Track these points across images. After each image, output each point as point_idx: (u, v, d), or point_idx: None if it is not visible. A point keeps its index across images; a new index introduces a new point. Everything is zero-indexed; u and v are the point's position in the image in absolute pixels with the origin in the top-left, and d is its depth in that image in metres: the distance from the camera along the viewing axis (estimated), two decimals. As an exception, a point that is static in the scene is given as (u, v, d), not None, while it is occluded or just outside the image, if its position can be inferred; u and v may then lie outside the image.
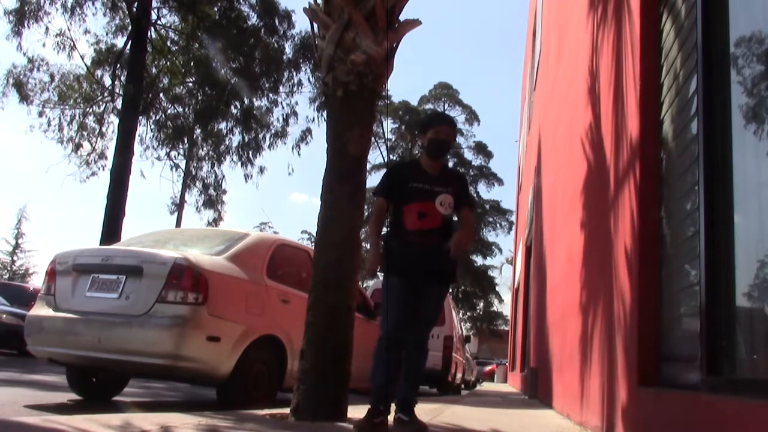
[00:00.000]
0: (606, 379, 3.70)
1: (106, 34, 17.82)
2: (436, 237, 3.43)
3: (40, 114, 17.87)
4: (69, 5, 16.58)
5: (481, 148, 45.33)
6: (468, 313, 43.85)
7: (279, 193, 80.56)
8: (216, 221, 20.76)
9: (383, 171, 3.87)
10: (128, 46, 16.44)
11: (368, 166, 4.75)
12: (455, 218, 3.66)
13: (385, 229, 3.67)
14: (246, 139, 18.97)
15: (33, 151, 75.63)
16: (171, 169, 19.98)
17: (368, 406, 3.32)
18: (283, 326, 5.06)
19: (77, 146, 18.11)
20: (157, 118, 18.73)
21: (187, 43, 17.78)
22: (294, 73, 18.33)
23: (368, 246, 3.74)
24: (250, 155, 19.10)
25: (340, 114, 4.12)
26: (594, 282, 4.45)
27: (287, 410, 3.76)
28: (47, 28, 16.65)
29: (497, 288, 44.79)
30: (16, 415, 3.54)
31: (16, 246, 44.29)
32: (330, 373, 3.75)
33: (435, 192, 3.45)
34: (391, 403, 3.39)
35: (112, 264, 4.70)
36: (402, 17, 4.39)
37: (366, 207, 4.11)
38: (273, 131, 18.98)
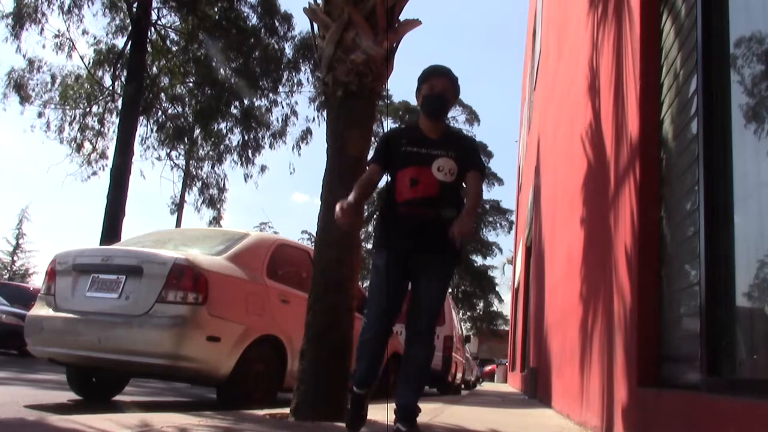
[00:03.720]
0: (606, 379, 3.69)
1: (106, 34, 17.88)
2: (434, 209, 2.96)
3: (40, 114, 17.96)
4: (66, 6, 16.62)
5: (481, 148, 45.27)
6: (468, 313, 43.86)
7: (280, 193, 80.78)
8: (216, 221, 20.76)
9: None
10: (128, 47, 16.44)
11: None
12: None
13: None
14: (246, 138, 19.01)
15: (34, 151, 75.72)
16: (171, 169, 20.00)
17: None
18: (283, 326, 5.06)
19: (78, 146, 18.15)
20: (157, 118, 18.75)
21: (187, 44, 17.78)
22: (294, 74, 18.40)
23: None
24: (250, 155, 19.15)
25: (340, 114, 4.12)
26: (594, 282, 4.45)
27: (287, 410, 3.76)
28: (42, 29, 16.65)
29: (497, 288, 44.86)
30: (16, 415, 3.54)
31: (17, 246, 44.31)
32: (330, 373, 3.75)
33: (432, 156, 2.99)
34: (372, 384, 3.05)
35: (112, 264, 4.70)
36: (402, 17, 4.40)
37: (366, 207, 4.10)
38: (273, 131, 19.02)
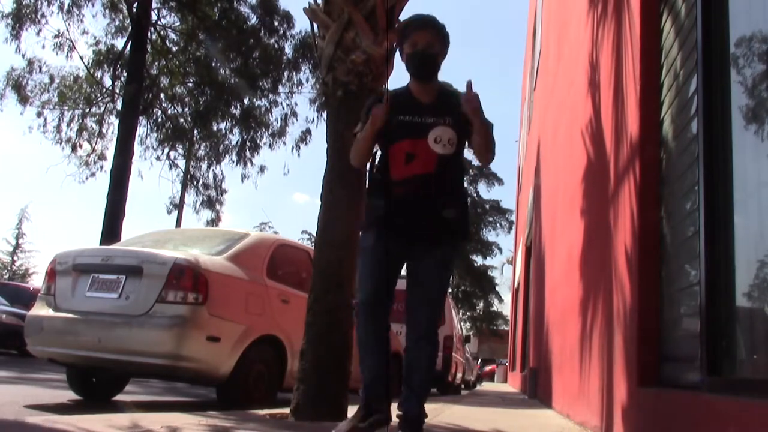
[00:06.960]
0: (606, 379, 3.70)
1: (106, 35, 17.85)
2: (432, 187, 2.61)
3: (39, 115, 17.91)
4: (66, 6, 16.62)
5: (480, 148, 45.26)
6: (468, 313, 43.86)
7: (281, 193, 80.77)
8: (215, 221, 20.72)
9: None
10: (128, 47, 16.43)
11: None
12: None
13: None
14: (245, 138, 18.99)
15: (34, 151, 75.73)
16: (170, 169, 19.94)
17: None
18: (283, 326, 5.06)
19: (77, 147, 18.14)
20: (157, 118, 18.74)
21: (187, 44, 17.78)
22: (294, 74, 18.36)
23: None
24: (249, 155, 19.13)
25: (340, 114, 4.11)
26: (594, 282, 4.45)
27: (287, 410, 3.76)
28: (40, 30, 16.63)
29: (497, 288, 44.85)
30: (16, 415, 3.54)
31: (17, 246, 44.30)
32: (330, 373, 3.75)
33: (427, 125, 2.62)
34: (387, 401, 2.72)
35: (112, 264, 4.70)
36: (402, 17, 4.40)
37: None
38: (272, 131, 19.01)
